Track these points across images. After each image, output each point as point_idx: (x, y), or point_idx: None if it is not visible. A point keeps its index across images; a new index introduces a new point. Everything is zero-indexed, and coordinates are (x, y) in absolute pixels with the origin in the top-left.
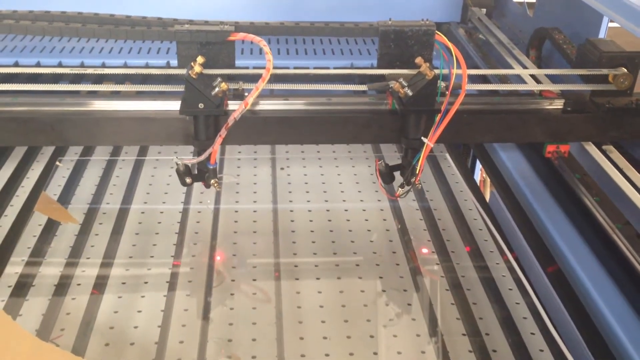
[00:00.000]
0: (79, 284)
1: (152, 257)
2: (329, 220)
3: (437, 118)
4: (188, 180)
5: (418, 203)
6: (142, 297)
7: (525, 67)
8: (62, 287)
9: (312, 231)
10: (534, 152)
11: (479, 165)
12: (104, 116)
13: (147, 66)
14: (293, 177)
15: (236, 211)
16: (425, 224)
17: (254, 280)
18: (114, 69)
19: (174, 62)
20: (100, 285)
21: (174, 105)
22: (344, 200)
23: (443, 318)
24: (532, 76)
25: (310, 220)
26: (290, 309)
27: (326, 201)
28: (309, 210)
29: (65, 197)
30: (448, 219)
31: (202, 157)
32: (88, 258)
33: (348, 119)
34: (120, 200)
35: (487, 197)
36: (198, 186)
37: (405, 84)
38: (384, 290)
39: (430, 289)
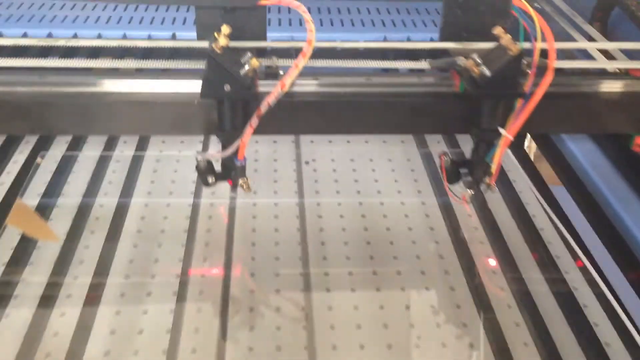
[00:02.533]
0: (68, 295)
1: (153, 276)
2: (363, 216)
3: (518, 104)
4: (211, 179)
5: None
6: (145, 313)
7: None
8: (47, 301)
9: (343, 229)
10: (612, 144)
11: None
12: (99, 99)
13: (149, 38)
14: (319, 172)
15: (254, 216)
16: (481, 223)
17: (277, 291)
18: (110, 41)
19: (181, 35)
20: (93, 300)
21: (189, 85)
22: (380, 203)
23: (510, 342)
24: (604, 51)
25: (341, 216)
26: (321, 330)
27: (360, 204)
28: (339, 204)
29: (48, 201)
30: (506, 218)
31: (229, 152)
32: (76, 277)
33: (410, 103)
34: (115, 202)
35: None
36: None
37: (479, 61)
38: (433, 306)
39: (492, 304)
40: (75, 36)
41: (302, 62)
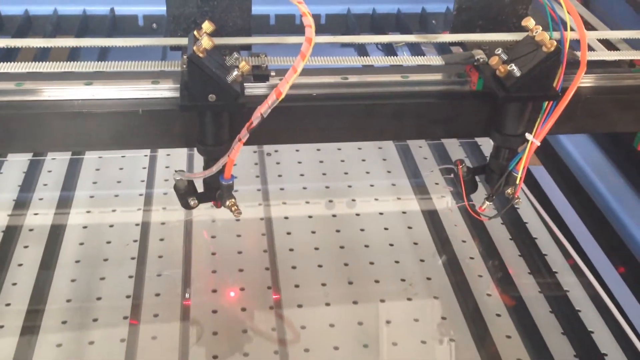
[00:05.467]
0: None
1: (99, 298)
2: (337, 231)
3: (547, 105)
4: (192, 202)
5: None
6: (91, 344)
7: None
8: None
9: (316, 248)
10: (614, 143)
11: None
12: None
13: (85, 14)
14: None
15: (213, 221)
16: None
17: (244, 332)
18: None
19: (122, 10)
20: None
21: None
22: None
23: None
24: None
25: (313, 232)
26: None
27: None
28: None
29: None
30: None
31: (214, 170)
32: (8, 305)
33: (424, 106)
34: (51, 214)
35: None
36: (160, 190)
37: (505, 57)
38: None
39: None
40: None
41: (301, 64)
